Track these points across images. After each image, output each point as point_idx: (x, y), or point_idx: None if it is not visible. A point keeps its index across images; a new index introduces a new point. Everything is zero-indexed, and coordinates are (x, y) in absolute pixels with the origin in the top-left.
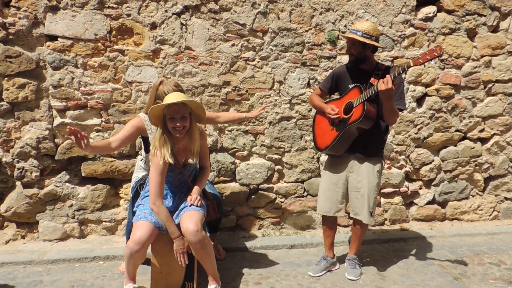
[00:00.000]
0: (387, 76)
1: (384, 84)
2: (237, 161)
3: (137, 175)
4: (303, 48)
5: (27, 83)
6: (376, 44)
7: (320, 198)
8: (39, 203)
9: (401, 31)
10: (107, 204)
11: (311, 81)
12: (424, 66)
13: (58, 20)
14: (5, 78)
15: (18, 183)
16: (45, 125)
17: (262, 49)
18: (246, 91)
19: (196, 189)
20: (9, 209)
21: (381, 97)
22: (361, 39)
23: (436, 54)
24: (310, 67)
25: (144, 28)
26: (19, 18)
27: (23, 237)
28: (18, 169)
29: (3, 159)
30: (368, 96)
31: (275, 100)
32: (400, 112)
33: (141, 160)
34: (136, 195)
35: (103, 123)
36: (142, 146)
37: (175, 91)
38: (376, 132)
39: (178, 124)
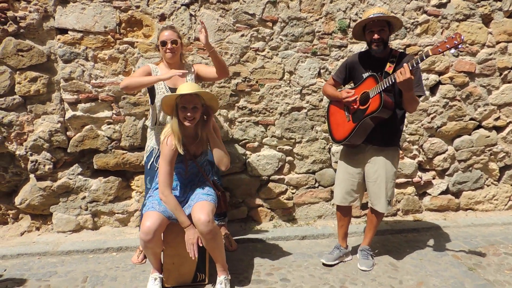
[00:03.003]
0: (405, 65)
1: (401, 74)
2: (247, 152)
3: (148, 143)
4: (313, 37)
5: (39, 77)
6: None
7: (336, 188)
8: (53, 195)
9: (414, 18)
10: (119, 196)
11: (321, 71)
12: (444, 55)
13: (68, 13)
14: (17, 72)
15: (31, 175)
16: (57, 118)
17: (272, 39)
18: (256, 81)
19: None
20: (24, 201)
21: (400, 88)
22: (392, 16)
23: (456, 43)
24: (321, 56)
25: (153, 19)
26: (30, 12)
27: (37, 228)
28: (32, 162)
29: (17, 152)
30: (385, 86)
31: (286, 90)
32: (419, 98)
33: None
34: (151, 167)
35: (114, 115)
36: (149, 98)
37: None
38: (393, 121)
39: (189, 114)
